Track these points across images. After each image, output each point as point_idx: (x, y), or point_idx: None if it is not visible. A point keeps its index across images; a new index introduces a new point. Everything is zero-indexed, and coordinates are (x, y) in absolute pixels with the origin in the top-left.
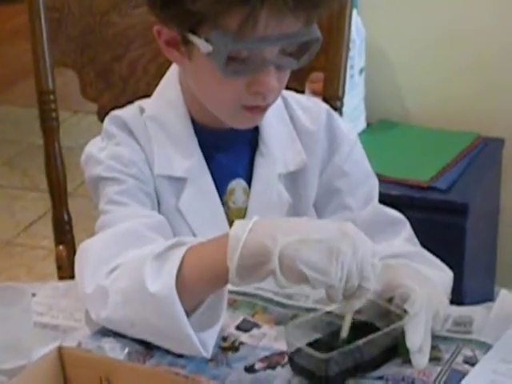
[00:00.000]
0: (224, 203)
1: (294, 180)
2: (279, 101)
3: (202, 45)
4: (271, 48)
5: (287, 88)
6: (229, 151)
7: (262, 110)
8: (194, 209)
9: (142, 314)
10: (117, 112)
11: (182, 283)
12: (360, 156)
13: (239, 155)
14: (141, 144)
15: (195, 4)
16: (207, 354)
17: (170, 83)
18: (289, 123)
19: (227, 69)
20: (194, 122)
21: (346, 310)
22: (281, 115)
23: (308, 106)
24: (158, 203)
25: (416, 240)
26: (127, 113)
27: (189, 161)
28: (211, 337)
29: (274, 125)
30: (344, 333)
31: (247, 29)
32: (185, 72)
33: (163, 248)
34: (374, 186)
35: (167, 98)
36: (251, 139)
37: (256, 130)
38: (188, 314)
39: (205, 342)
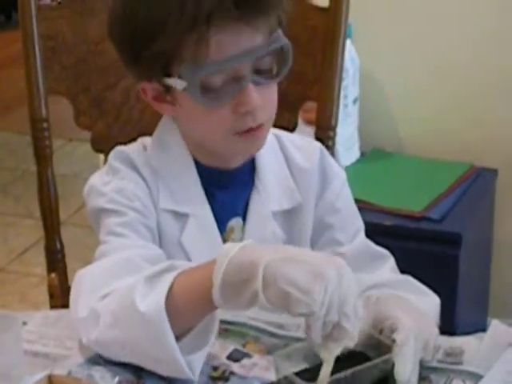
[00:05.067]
0: (224, 240)
1: (288, 218)
2: (274, 141)
3: (177, 83)
4: (241, 67)
5: (280, 118)
6: (229, 189)
7: (255, 132)
8: (196, 244)
9: (131, 334)
10: (121, 147)
11: (172, 305)
12: (349, 194)
13: (238, 194)
14: (145, 179)
15: (156, 46)
16: (194, 376)
17: (168, 127)
18: (283, 162)
19: (206, 99)
20: (196, 161)
21: (325, 356)
22: (276, 155)
23: (302, 145)
24: (160, 236)
25: (399, 273)
26: (131, 149)
27: (191, 198)
28: (199, 359)
29: (269, 164)
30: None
31: (203, 53)
32: (180, 120)
33: (155, 271)
34: (360, 224)
35: (167, 141)
36: (249, 178)
37: (254, 170)
38: (178, 338)
39: (192, 365)
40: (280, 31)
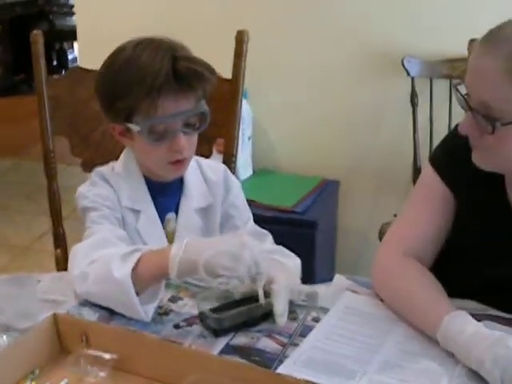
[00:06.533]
0: (164, 227)
1: (205, 213)
2: (195, 165)
3: (134, 127)
4: (176, 122)
5: (201, 149)
6: (167, 195)
7: (181, 163)
8: (147, 230)
9: (109, 290)
10: (99, 168)
11: (136, 275)
12: (243, 196)
13: (173, 197)
14: (113, 188)
15: (122, 103)
16: (148, 318)
17: (128, 154)
18: (200, 177)
19: (151, 139)
20: (145, 176)
21: (255, 286)
22: (196, 173)
23: (213, 166)
24: (124, 224)
25: (275, 245)
26: (105, 169)
27: (142, 200)
28: (151, 309)
29: (192, 179)
30: (261, 300)
31: (152, 111)
32: (135, 150)
33: (127, 251)
34: (250, 215)
35: (127, 164)
36: (180, 187)
37: (182, 182)
38: (138, 293)
39: (147, 311)
40: (203, 101)
